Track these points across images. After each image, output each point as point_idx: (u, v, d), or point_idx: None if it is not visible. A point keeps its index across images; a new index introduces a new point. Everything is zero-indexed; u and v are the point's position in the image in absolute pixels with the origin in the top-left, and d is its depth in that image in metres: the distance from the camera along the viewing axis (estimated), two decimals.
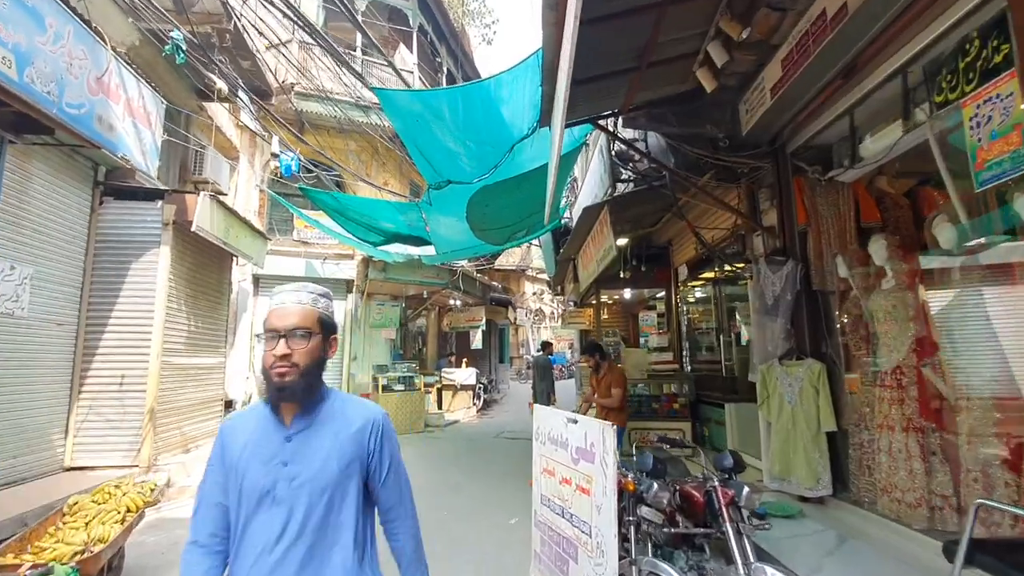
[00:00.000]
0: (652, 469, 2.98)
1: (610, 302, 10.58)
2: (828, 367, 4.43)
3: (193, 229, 6.58)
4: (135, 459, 6.28)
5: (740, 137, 5.01)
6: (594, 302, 10.59)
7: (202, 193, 6.71)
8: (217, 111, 9.89)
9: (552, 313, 35.45)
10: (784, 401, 4.56)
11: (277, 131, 9.80)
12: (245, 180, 11.08)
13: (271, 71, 10.29)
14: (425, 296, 12.21)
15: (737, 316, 6.64)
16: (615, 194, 5.30)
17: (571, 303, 13.00)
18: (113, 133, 5.22)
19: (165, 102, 6.35)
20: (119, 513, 3.56)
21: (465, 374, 13.87)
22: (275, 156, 8.29)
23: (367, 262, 11.58)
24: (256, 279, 11.35)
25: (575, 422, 2.90)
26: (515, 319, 21.64)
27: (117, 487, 3.87)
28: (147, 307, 6.55)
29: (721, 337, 6.54)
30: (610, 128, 5.14)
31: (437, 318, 15.65)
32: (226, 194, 9.51)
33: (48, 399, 5.94)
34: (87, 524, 3.43)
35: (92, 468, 6.19)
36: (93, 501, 3.73)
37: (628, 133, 5.84)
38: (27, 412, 5.59)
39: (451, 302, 14.28)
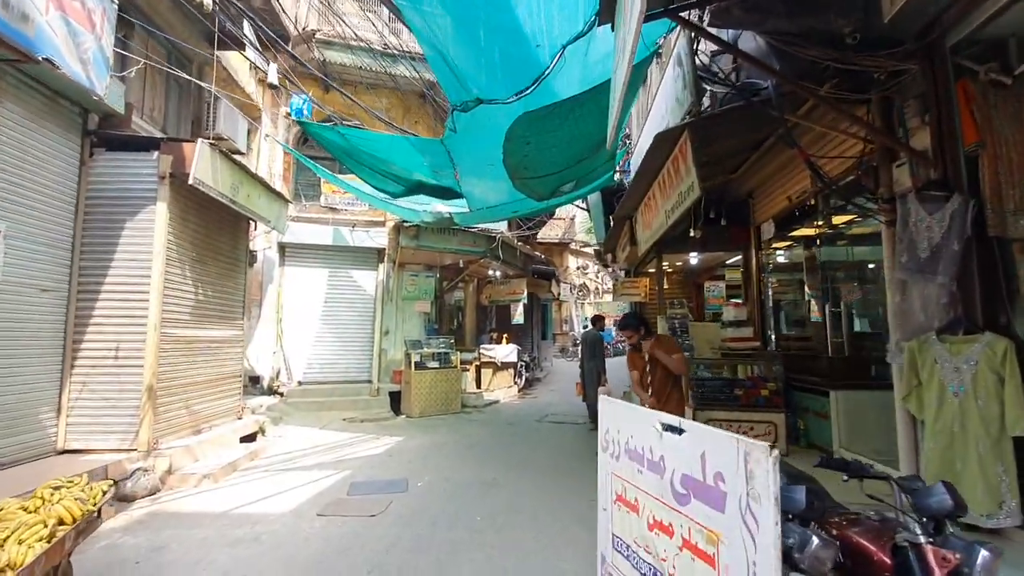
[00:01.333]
0: (805, 508, 1.81)
1: (670, 270, 9.24)
2: (1018, 346, 3.10)
3: (191, 182, 5.71)
4: (133, 442, 5.57)
5: (877, 30, 3.63)
6: (651, 270, 9.30)
7: (200, 140, 5.82)
8: (237, 66, 9.03)
9: (596, 288, 34.02)
10: (946, 392, 3.26)
11: (297, 84, 8.85)
12: (267, 141, 10.25)
13: (288, 16, 9.31)
14: (461, 266, 11.19)
15: (852, 282, 5.27)
16: (699, 113, 4.02)
17: (621, 273, 11.70)
18: (27, 25, 4.07)
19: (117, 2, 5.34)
20: (45, 527, 2.69)
21: (506, 351, 12.87)
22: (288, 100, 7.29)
23: (398, 229, 10.62)
24: (282, 248, 10.61)
25: (678, 430, 1.75)
26: (558, 293, 20.42)
27: (57, 489, 3.01)
28: (143, 272, 5.77)
29: (827, 308, 5.19)
30: (694, 24, 3.83)
31: (475, 290, 14.67)
32: (244, 153, 8.68)
33: (36, 374, 5.26)
34: (2, 543, 2.57)
35: (87, 451, 5.52)
36: (23, 508, 2.88)
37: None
38: (10, 388, 4.91)
39: (490, 273, 13.21)
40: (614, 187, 9.20)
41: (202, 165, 5.82)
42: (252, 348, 9.96)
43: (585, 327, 31.22)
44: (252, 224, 8.60)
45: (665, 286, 9.22)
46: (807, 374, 5.51)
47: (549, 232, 23.05)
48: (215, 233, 7.08)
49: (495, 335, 14.34)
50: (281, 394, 9.97)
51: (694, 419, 5.24)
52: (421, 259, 11.48)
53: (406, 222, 10.30)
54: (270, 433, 8.05)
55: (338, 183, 7.65)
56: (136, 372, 5.66)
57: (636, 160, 7.11)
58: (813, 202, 5.16)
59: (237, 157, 7.22)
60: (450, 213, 6.63)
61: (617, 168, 7.89)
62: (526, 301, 14.28)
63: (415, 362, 10.10)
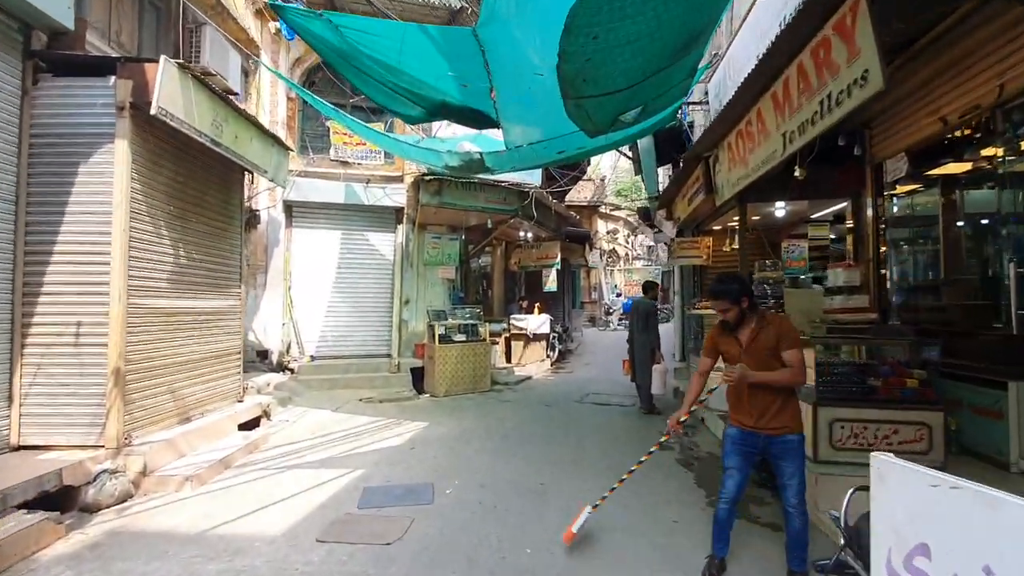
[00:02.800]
0: None
1: (719, 229, 7.82)
2: None
3: (153, 111, 4.49)
4: (100, 436, 4.55)
5: None
6: (716, 227, 7.90)
7: (164, 58, 4.57)
8: None
9: (627, 255, 32.44)
10: None
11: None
12: (268, 83, 8.98)
13: None
14: (489, 227, 9.92)
15: None
16: None
17: (668, 229, 10.24)
18: None
19: None
20: None
21: (538, 321, 11.67)
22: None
23: (418, 185, 9.34)
24: (288, 207, 9.45)
25: None
26: (589, 260, 19.03)
27: None
28: (102, 229, 4.64)
29: (1010, 268, 3.76)
30: None
31: (503, 255, 13.41)
32: (235, 93, 7.41)
33: None
34: None
35: (48, 448, 4.53)
36: None
37: None
38: None
39: (520, 235, 11.87)
40: (674, 128, 7.76)
41: (168, 91, 4.59)
42: (259, 319, 8.94)
43: (618, 294, 29.87)
44: (249, 177, 7.42)
45: (728, 247, 7.82)
46: (955, 357, 4.15)
47: (578, 195, 21.48)
48: (200, 184, 5.91)
49: (525, 304, 13.14)
50: (292, 370, 8.98)
51: (814, 420, 3.97)
52: (444, 219, 10.21)
53: (427, 175, 9.01)
54: (276, 417, 7.06)
55: (343, 120, 6.34)
56: (99, 352, 4.59)
57: (725, 78, 5.66)
58: (986, 119, 3.70)
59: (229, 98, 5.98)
60: (480, 153, 5.29)
61: (687, 100, 6.43)
62: (559, 267, 12.97)
63: (439, 335, 8.97)
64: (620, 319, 24.55)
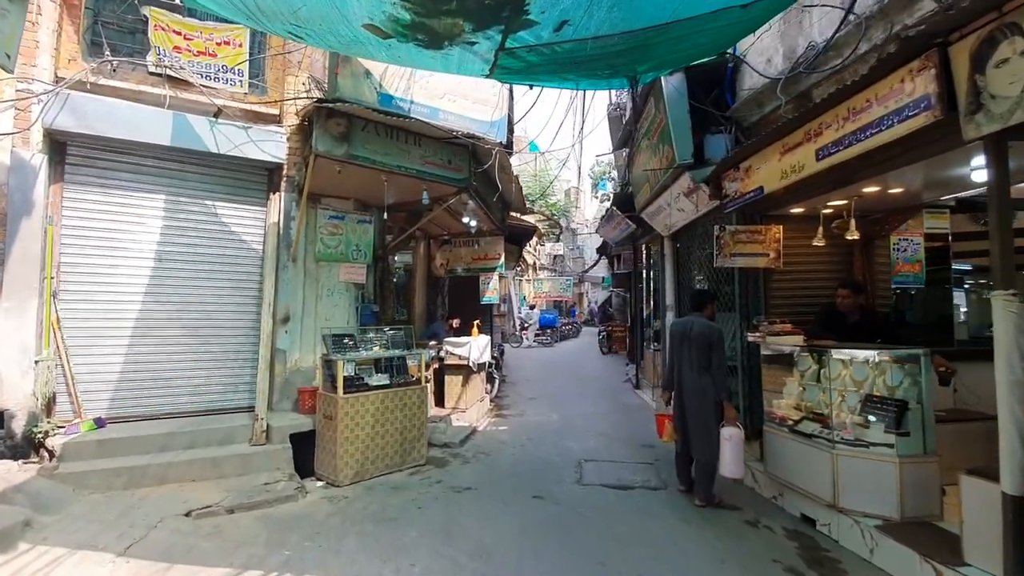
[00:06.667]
0: None
1: (828, 210, 5.03)
2: None
3: None
4: None
5: None
6: (796, 210, 5.26)
7: None
8: None
9: (534, 263, 30.04)
10: None
11: None
12: None
13: None
14: (425, 203, 6.29)
15: None
16: None
17: (696, 195, 7.51)
18: None
19: None
20: None
21: (480, 346, 8.27)
22: None
23: (310, 124, 5.54)
24: (55, 143, 5.15)
25: None
26: (522, 266, 16.03)
27: None
28: None
29: None
30: None
31: (426, 254, 9.84)
32: None
33: None
34: None
35: None
36: None
37: None
38: None
39: (465, 221, 8.30)
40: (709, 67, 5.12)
41: None
42: None
43: (531, 307, 26.95)
44: None
45: (821, 238, 5.16)
46: None
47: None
48: None
49: (453, 322, 9.67)
50: (51, 452, 4.69)
51: None
52: (352, 187, 6.49)
53: (328, 103, 5.27)
54: None
55: None
56: None
57: None
58: None
59: None
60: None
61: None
62: (503, 271, 9.72)
63: (345, 377, 5.26)
64: (537, 336, 21.84)
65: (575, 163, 37.28)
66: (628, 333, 16.73)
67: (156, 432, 5.14)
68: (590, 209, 36.19)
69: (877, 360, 4.14)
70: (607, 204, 23.84)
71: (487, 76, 4.20)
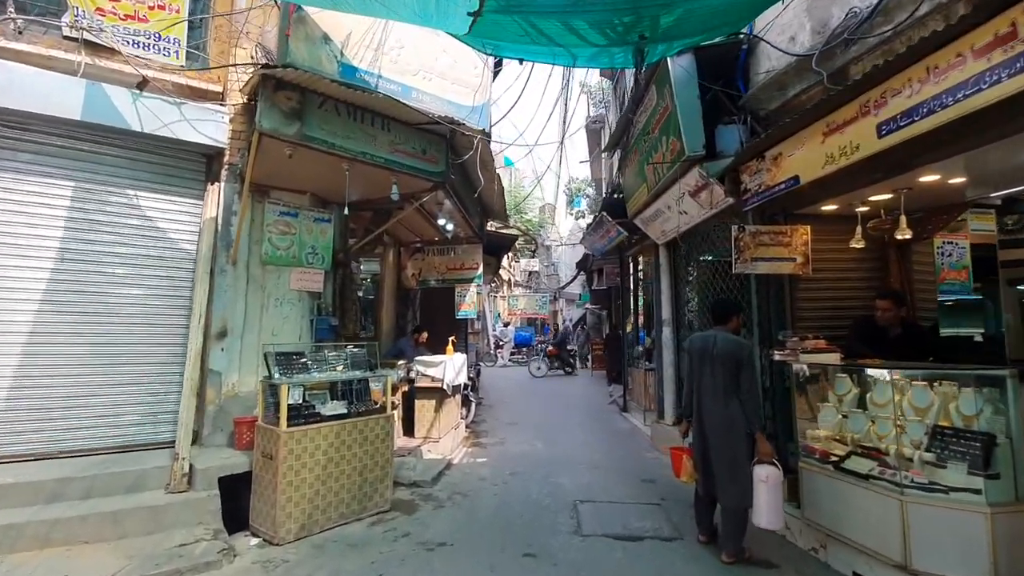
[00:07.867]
0: None
1: (864, 208, 4.31)
2: None
3: None
4: None
5: None
6: (829, 207, 4.58)
7: None
8: None
9: (509, 279, 29.23)
10: None
11: None
12: None
13: None
14: (395, 199, 5.37)
15: None
16: None
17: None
18: None
19: None
20: None
21: (456, 366, 7.32)
22: None
23: (253, 107, 4.59)
24: None
25: None
26: (498, 280, 15.17)
27: None
28: None
29: None
30: None
31: (396, 262, 8.89)
32: None
33: None
34: None
35: None
36: None
37: None
38: None
39: (441, 223, 7.39)
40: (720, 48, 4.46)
41: None
42: None
43: (505, 324, 25.89)
44: None
45: (858, 240, 4.46)
46: None
47: None
48: None
49: (425, 338, 8.70)
50: None
51: None
52: (306, 177, 5.54)
53: (277, 70, 4.36)
54: None
55: None
56: None
57: None
58: None
59: None
60: None
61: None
62: (480, 283, 8.83)
63: (292, 404, 4.26)
64: (512, 355, 20.92)
65: (554, 172, 36.91)
66: (605, 349, 15.95)
67: (45, 478, 4.02)
68: (565, 225, 35.71)
69: (944, 383, 3.42)
70: (583, 221, 23.26)
71: (467, 32, 3.40)
